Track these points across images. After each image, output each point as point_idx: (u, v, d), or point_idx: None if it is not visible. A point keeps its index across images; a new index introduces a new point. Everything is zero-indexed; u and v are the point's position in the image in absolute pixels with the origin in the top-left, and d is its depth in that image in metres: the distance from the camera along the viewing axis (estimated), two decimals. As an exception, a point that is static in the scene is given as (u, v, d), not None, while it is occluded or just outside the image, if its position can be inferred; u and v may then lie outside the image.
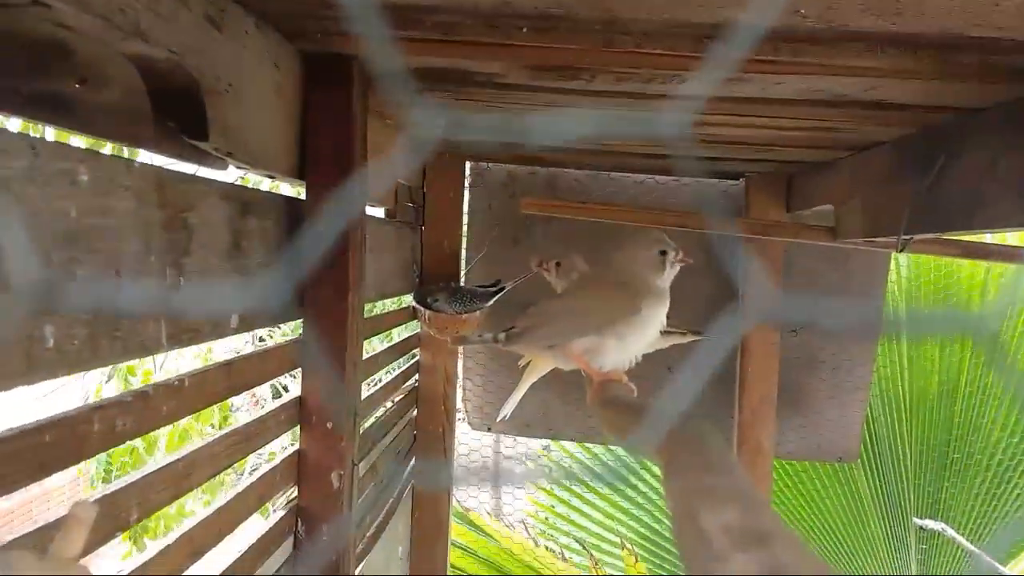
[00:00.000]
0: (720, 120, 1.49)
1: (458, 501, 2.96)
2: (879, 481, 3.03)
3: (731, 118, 1.46)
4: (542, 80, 1.26)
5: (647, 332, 1.01)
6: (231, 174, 1.06)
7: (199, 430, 3.11)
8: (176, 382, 0.80)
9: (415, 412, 2.25)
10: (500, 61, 1.14)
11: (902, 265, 2.96)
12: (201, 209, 0.86)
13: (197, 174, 0.89)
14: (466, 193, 2.34)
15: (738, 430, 2.31)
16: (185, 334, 0.82)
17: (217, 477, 1.12)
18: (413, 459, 2.23)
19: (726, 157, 1.98)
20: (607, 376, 1.05)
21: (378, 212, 1.89)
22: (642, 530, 3.23)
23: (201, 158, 0.92)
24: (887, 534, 3.06)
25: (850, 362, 2.42)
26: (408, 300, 2.11)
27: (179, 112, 0.83)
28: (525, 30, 0.96)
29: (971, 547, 2.66)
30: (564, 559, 2.90)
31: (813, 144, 1.73)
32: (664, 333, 1.12)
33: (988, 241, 1.83)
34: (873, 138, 1.61)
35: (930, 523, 2.78)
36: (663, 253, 1.07)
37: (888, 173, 1.59)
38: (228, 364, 0.93)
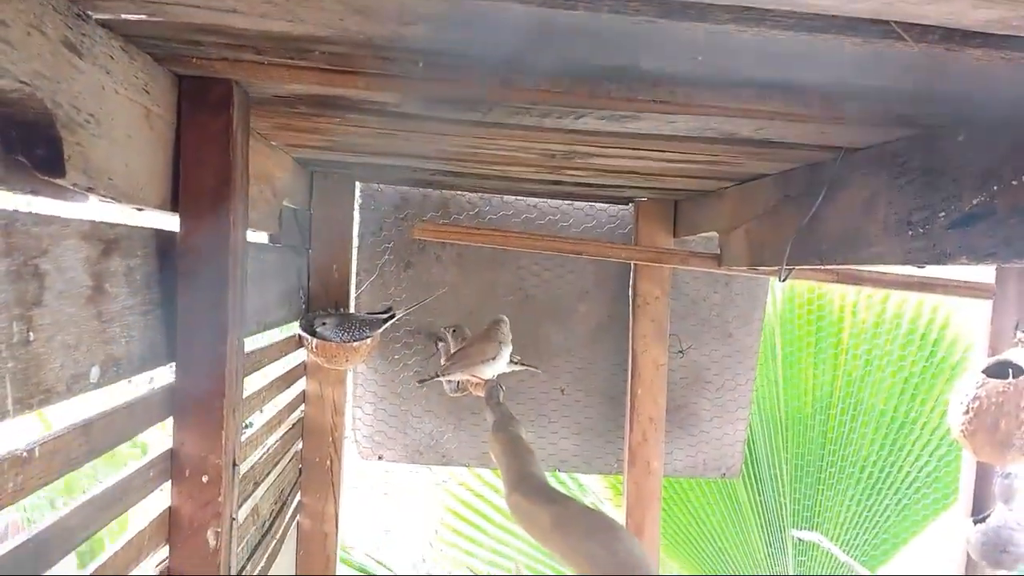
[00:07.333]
0: (613, 152, 1.49)
1: (344, 547, 2.84)
2: (759, 496, 3.15)
3: (624, 151, 1.47)
4: (436, 111, 1.22)
5: (498, 366, 1.90)
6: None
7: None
8: (24, 453, 0.70)
9: (300, 445, 2.14)
10: (392, 92, 1.09)
11: (777, 287, 3.09)
12: (56, 253, 0.77)
13: (54, 213, 0.80)
14: (356, 215, 2.25)
15: (628, 451, 2.33)
16: (36, 396, 0.72)
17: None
18: (299, 495, 2.13)
19: (617, 184, 2.00)
20: (486, 382, 1.93)
21: (261, 237, 1.79)
22: (535, 552, 3.22)
23: (58, 193, 0.82)
24: (767, 545, 3.18)
25: (732, 381, 2.50)
26: (294, 328, 2.01)
27: (33, 145, 0.74)
28: (421, 64, 0.92)
29: (843, 556, 2.80)
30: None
31: (700, 175, 1.77)
32: (516, 363, 2.09)
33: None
34: (757, 171, 1.65)
35: (806, 534, 2.91)
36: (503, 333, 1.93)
37: (771, 205, 1.64)
38: (86, 425, 0.83)
